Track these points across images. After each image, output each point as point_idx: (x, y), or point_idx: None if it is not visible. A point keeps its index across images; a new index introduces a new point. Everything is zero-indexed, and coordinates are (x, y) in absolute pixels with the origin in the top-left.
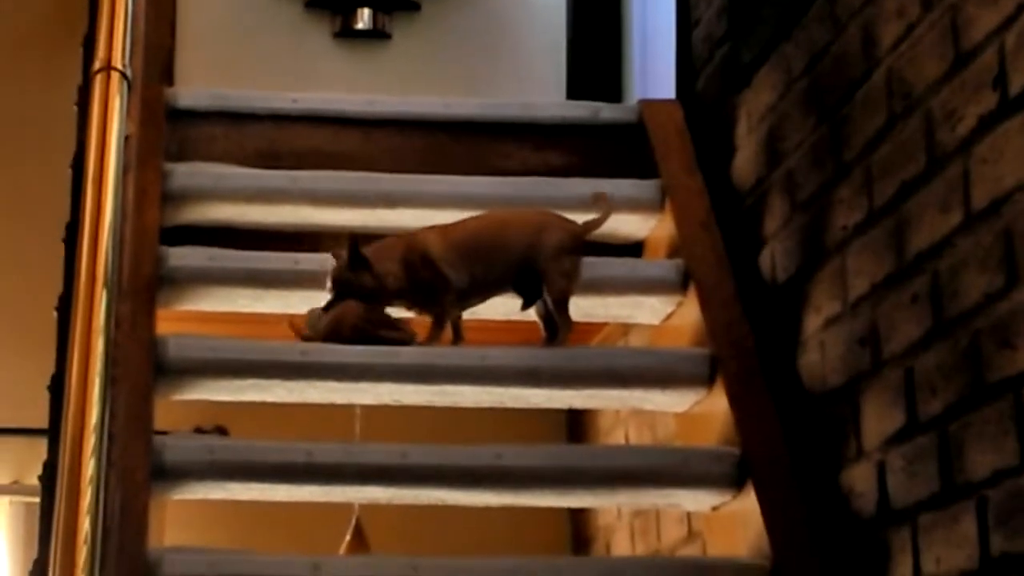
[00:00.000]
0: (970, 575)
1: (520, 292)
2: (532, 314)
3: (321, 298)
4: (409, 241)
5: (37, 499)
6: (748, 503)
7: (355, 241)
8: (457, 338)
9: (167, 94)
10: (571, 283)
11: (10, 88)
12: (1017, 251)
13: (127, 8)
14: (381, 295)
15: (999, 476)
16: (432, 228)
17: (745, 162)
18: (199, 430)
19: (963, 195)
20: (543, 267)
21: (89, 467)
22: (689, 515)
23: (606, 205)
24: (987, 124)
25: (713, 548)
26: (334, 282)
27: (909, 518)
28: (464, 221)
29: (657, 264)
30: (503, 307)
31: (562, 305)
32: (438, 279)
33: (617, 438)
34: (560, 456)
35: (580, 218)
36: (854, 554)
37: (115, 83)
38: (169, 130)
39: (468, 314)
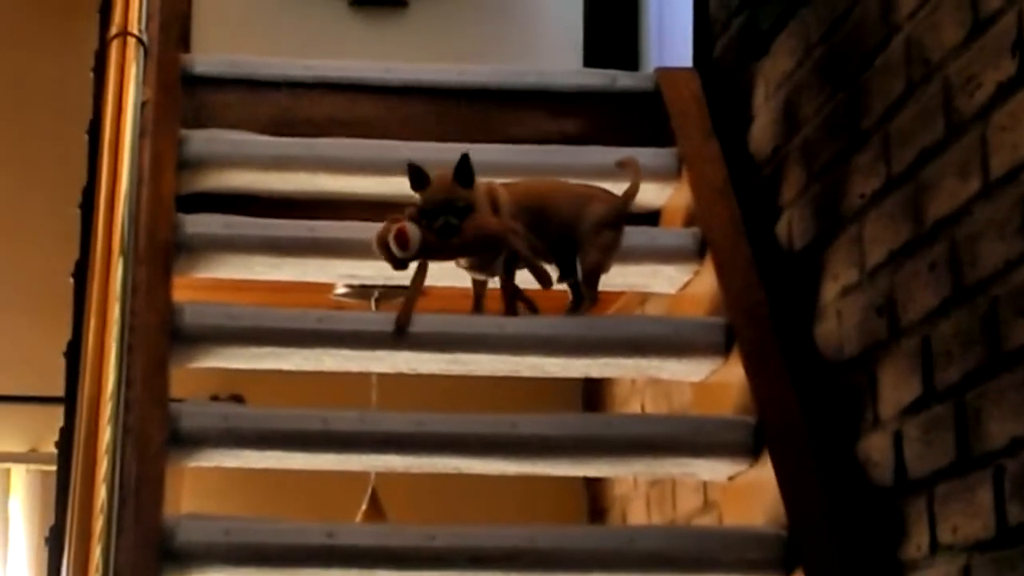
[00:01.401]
0: (986, 544)
1: (558, 262)
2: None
3: (336, 265)
4: (485, 186)
5: (54, 467)
6: (764, 473)
7: (467, 155)
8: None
9: (183, 60)
10: (607, 257)
11: (27, 54)
12: None
13: None
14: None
15: (1016, 445)
16: (497, 182)
17: (762, 130)
18: (215, 398)
19: (981, 162)
20: (581, 238)
21: (106, 435)
22: (705, 485)
23: (635, 172)
24: (1005, 91)
25: (729, 518)
26: (435, 200)
27: (925, 487)
28: (519, 183)
29: (674, 233)
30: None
31: (593, 277)
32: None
33: (633, 407)
34: (576, 425)
35: (599, 186)
36: (870, 524)
37: (131, 49)
38: (185, 97)
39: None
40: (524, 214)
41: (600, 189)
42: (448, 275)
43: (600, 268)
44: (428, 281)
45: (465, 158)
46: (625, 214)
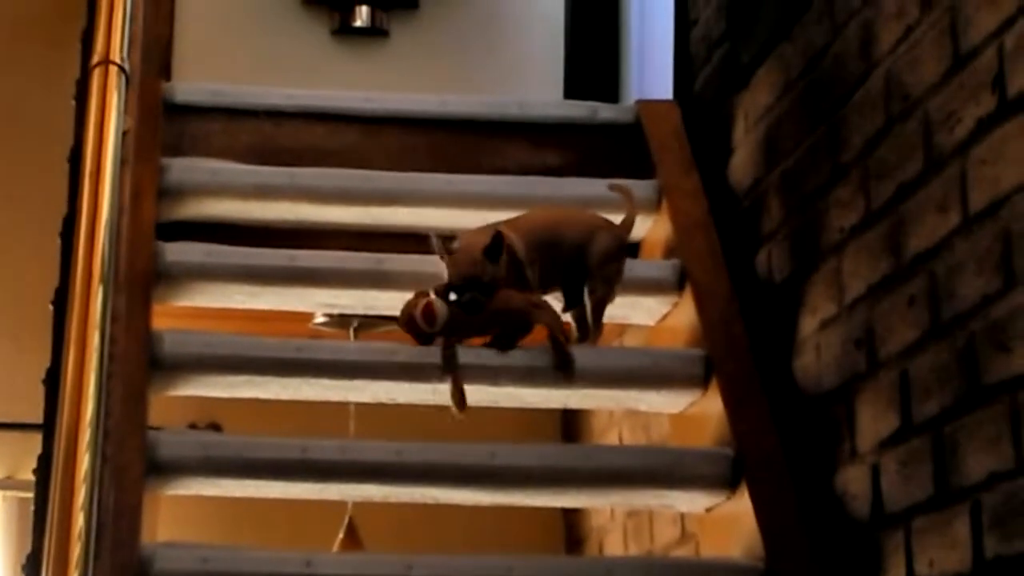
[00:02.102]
0: None
1: (565, 292)
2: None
3: (316, 294)
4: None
5: (31, 494)
6: (742, 504)
7: (500, 234)
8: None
9: (165, 89)
10: (613, 289)
11: (8, 81)
12: (1015, 253)
13: (126, 2)
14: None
15: (994, 479)
16: (502, 223)
17: (742, 163)
18: (193, 427)
19: (961, 197)
20: (591, 271)
21: (84, 462)
22: (683, 516)
23: (629, 200)
24: (985, 126)
25: (706, 549)
26: (462, 276)
27: (903, 521)
28: (523, 217)
29: (654, 264)
30: None
31: (600, 310)
32: (521, 277)
33: (611, 439)
34: (554, 456)
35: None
36: (848, 556)
37: (113, 77)
38: (166, 125)
39: None
40: (537, 250)
41: (602, 219)
42: None
43: (607, 300)
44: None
45: (498, 236)
46: (626, 244)
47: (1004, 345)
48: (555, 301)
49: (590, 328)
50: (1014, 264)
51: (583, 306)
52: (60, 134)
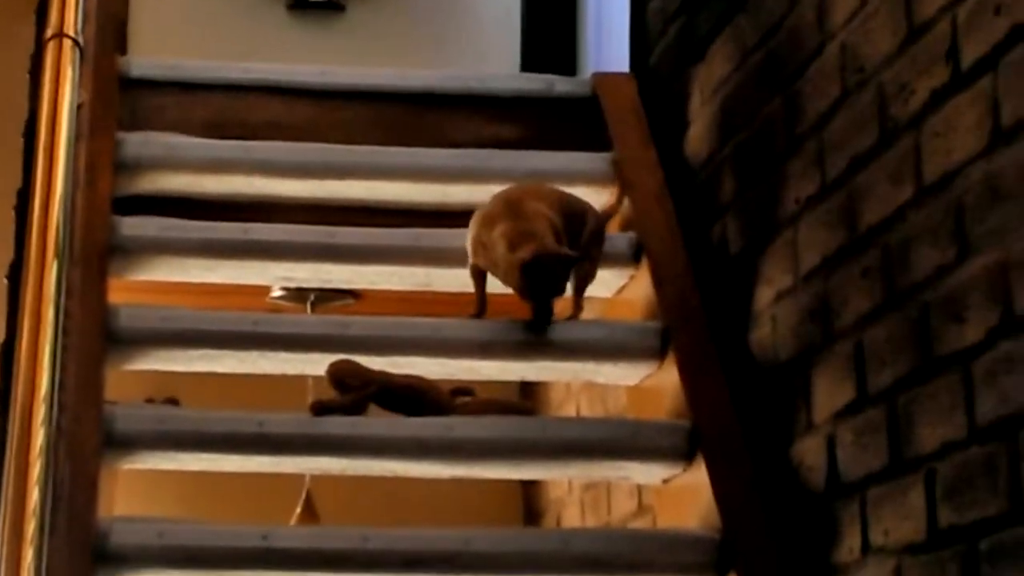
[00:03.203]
0: (917, 547)
1: None
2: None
3: (272, 267)
4: (545, 218)
5: None
6: (699, 476)
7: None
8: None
9: (120, 63)
10: (595, 269)
11: None
12: (967, 225)
13: None
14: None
15: (948, 449)
16: (524, 191)
17: (698, 136)
18: (150, 402)
19: (915, 169)
20: (582, 248)
21: (39, 437)
22: (640, 488)
23: (619, 195)
24: (939, 98)
25: (663, 521)
26: (559, 275)
27: (858, 491)
28: (537, 188)
29: (610, 237)
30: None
31: (583, 286)
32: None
33: (569, 411)
34: (512, 428)
35: None
36: (803, 527)
37: (67, 51)
38: (122, 99)
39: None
40: (562, 224)
41: (587, 203)
42: (384, 279)
43: (589, 279)
44: (363, 285)
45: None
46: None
47: (958, 316)
48: None
49: (577, 305)
50: (967, 236)
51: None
52: (14, 108)
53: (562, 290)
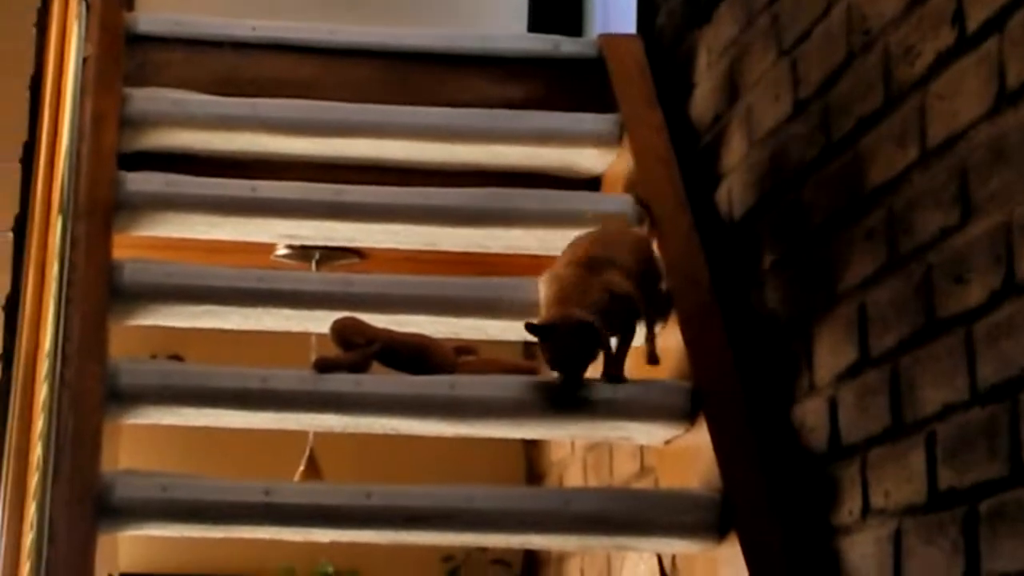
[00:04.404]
0: (917, 508)
1: None
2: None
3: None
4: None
5: None
6: (700, 437)
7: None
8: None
9: (127, 19)
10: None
11: None
12: (971, 187)
13: None
14: None
15: (948, 411)
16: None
17: (704, 98)
18: (154, 358)
19: (919, 131)
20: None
21: (42, 391)
22: (642, 449)
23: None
24: (944, 60)
25: (665, 482)
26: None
27: (859, 452)
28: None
29: (615, 198)
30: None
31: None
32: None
33: None
34: (514, 387)
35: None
36: (804, 488)
37: (74, 5)
38: (128, 55)
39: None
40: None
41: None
42: (390, 237)
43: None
44: (369, 244)
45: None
46: None
47: (961, 278)
48: None
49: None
50: (970, 198)
51: None
52: (21, 61)
53: (582, 360)
